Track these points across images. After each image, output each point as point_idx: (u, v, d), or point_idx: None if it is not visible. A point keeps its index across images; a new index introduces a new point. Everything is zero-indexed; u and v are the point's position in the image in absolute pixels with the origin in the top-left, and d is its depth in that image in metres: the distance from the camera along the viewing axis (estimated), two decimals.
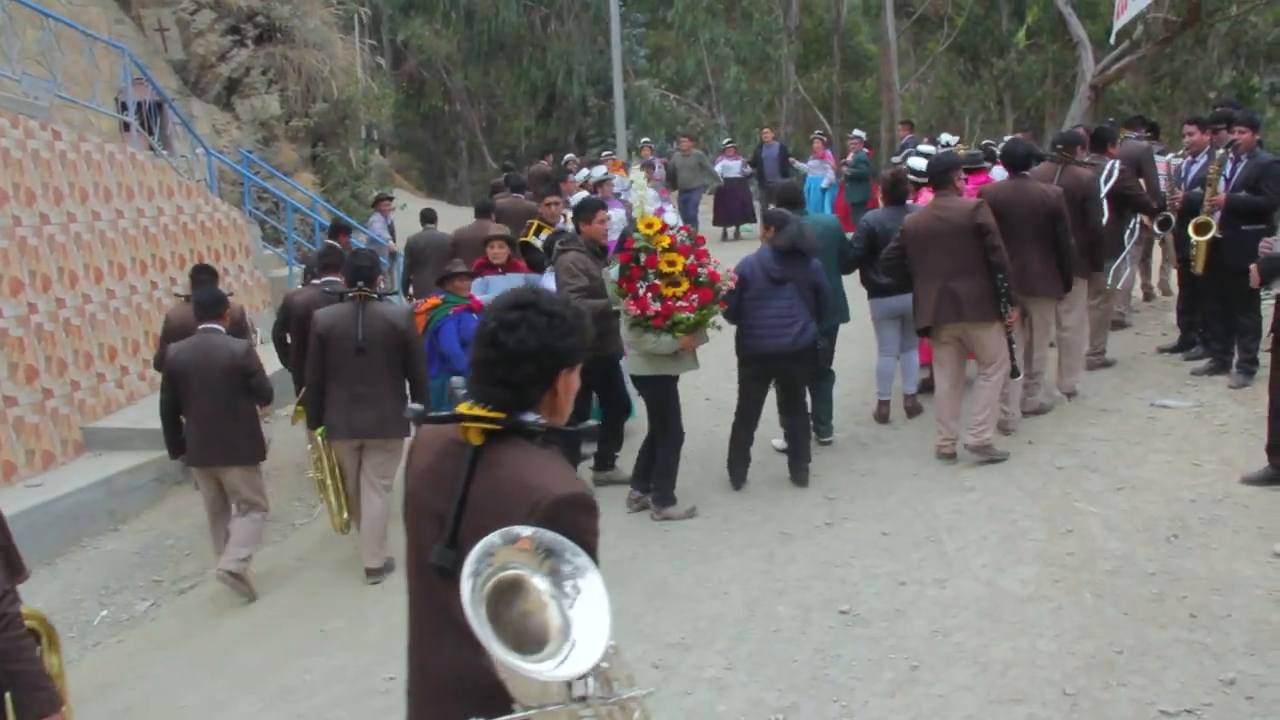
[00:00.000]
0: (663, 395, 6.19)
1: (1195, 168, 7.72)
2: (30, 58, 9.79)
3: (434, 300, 7.27)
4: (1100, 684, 4.02)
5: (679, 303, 5.82)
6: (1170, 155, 8.93)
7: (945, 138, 11.55)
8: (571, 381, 2.27)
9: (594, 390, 6.71)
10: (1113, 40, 17.31)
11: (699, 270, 5.93)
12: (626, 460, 6.86)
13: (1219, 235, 7.00)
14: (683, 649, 4.70)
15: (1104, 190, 7.33)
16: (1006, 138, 11.28)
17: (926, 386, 7.53)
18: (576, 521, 2.07)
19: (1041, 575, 4.93)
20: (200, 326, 6.38)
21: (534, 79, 25.49)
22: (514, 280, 7.73)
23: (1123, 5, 14.04)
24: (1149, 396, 7.10)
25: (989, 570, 5.05)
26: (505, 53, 25.53)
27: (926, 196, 7.48)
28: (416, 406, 2.37)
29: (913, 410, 7.51)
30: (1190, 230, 7.18)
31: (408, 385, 6.34)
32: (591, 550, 2.05)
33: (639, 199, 6.09)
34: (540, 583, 1.94)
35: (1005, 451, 6.46)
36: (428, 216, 11.06)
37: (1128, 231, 7.78)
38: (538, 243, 8.37)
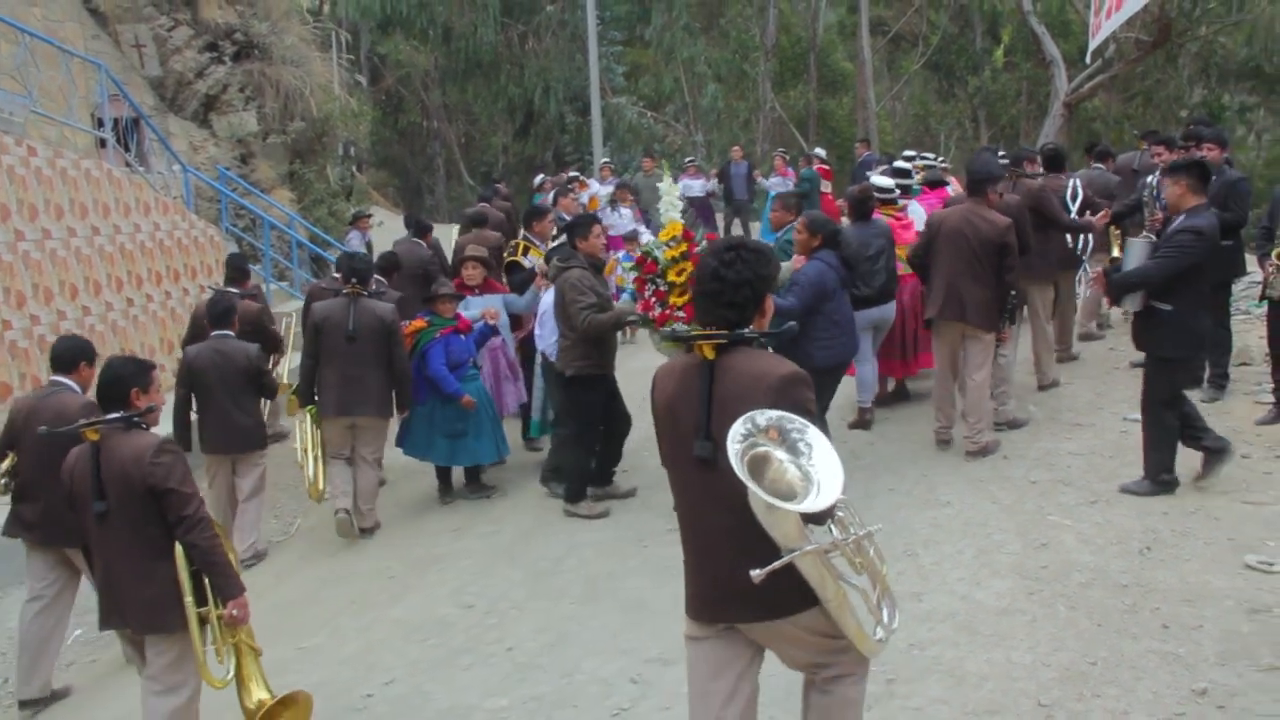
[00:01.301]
0: None
1: None
2: (5, 73, 9.78)
3: (419, 323, 7.20)
4: (1074, 695, 4.05)
5: (677, 312, 5.89)
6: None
7: (910, 154, 11.69)
8: (771, 301, 2.99)
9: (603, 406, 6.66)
10: (1088, 59, 17.56)
11: None
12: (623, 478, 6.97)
13: None
14: (662, 664, 4.70)
15: (1074, 208, 7.45)
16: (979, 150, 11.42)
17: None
18: (797, 392, 2.77)
19: (1016, 588, 4.97)
20: (213, 333, 6.98)
21: (511, 96, 25.47)
22: (491, 300, 7.73)
23: (1097, 25, 14.20)
24: (1122, 411, 7.17)
25: (965, 584, 5.08)
26: (483, 70, 25.51)
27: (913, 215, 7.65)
28: (664, 329, 3.03)
29: (862, 424, 7.53)
30: None
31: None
32: (812, 414, 2.71)
33: (668, 205, 6.23)
34: (781, 454, 2.59)
35: (998, 440, 6.78)
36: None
37: (1082, 243, 7.95)
38: (526, 263, 8.33)
